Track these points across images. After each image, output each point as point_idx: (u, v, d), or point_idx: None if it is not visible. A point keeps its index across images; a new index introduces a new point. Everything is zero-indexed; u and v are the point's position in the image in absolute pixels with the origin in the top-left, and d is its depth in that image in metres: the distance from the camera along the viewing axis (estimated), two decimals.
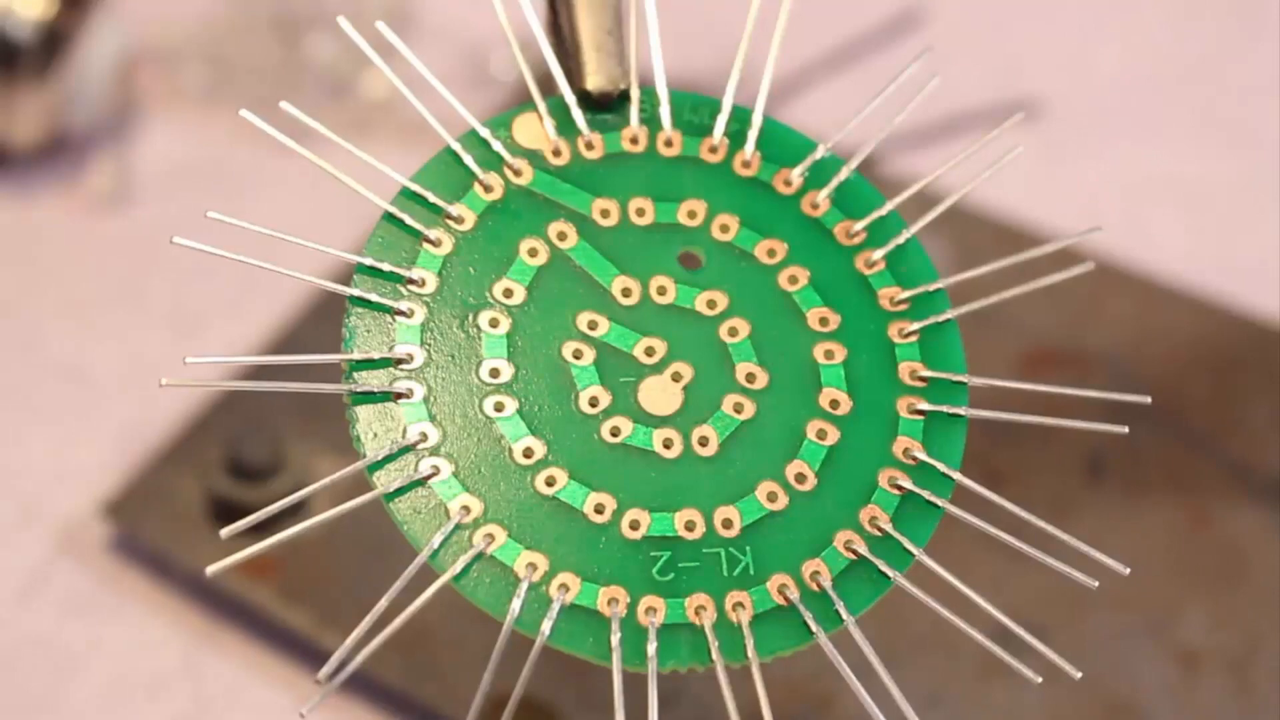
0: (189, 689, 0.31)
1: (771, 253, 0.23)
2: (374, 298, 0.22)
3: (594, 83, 0.24)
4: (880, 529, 0.22)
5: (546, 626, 0.21)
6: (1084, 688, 0.31)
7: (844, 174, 0.24)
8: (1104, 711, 0.31)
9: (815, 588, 0.21)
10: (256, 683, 0.31)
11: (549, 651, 0.21)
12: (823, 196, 0.24)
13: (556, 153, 0.23)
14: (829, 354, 0.23)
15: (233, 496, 0.32)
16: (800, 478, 0.22)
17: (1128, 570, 0.21)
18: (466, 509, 0.21)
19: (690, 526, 0.22)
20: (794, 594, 0.21)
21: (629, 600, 0.21)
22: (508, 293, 0.22)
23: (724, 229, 0.23)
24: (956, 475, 0.22)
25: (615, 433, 0.22)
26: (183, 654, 0.32)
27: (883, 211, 0.24)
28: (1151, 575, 0.33)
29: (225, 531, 0.21)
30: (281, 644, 0.32)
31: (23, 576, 0.33)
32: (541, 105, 0.24)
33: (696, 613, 0.21)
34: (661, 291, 0.23)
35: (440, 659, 0.31)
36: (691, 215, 0.23)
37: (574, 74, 0.24)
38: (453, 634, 0.31)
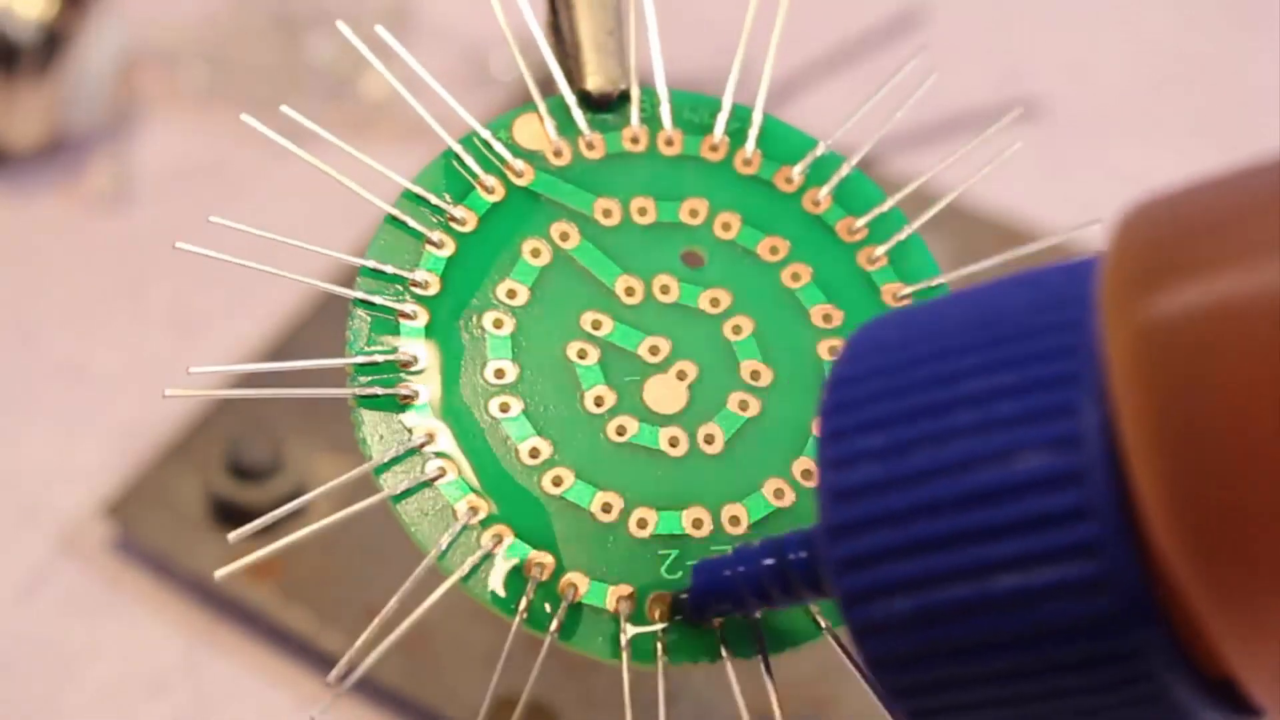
0: (189, 689, 0.31)
1: (774, 250, 0.23)
2: (378, 300, 0.22)
3: (594, 83, 0.24)
4: None
5: (555, 626, 0.21)
6: None
7: (844, 170, 0.24)
8: None
9: None
10: (256, 683, 0.31)
11: (551, 650, 0.21)
12: (824, 194, 0.24)
13: (558, 153, 0.24)
14: (834, 350, 0.23)
15: (233, 496, 0.32)
16: (807, 474, 0.22)
17: None
18: (474, 510, 0.21)
19: (698, 524, 0.22)
20: None
21: (638, 598, 0.21)
22: (511, 293, 0.22)
23: (726, 227, 0.23)
24: None
25: (621, 432, 0.22)
26: (183, 654, 0.32)
27: (884, 208, 0.24)
28: None
29: (233, 536, 0.21)
30: (281, 644, 0.32)
31: (23, 576, 0.33)
32: (542, 106, 0.24)
33: None
34: (665, 290, 0.23)
35: (440, 659, 0.31)
36: (693, 214, 0.23)
37: (574, 74, 0.24)
38: (453, 634, 0.31)
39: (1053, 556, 0.16)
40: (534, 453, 0.22)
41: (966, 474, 0.16)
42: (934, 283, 0.23)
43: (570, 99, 0.24)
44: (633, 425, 0.22)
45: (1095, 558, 0.16)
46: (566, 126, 0.24)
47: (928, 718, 0.18)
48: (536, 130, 0.24)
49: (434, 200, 0.23)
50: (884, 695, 0.18)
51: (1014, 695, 0.17)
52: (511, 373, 0.22)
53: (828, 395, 0.18)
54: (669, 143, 0.24)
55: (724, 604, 0.20)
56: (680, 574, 0.21)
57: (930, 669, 0.17)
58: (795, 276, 0.23)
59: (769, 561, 0.20)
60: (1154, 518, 0.15)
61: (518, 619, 0.21)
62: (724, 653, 0.21)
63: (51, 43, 0.37)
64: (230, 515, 0.32)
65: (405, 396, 0.21)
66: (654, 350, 0.23)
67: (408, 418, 0.21)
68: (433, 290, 0.22)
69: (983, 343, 0.17)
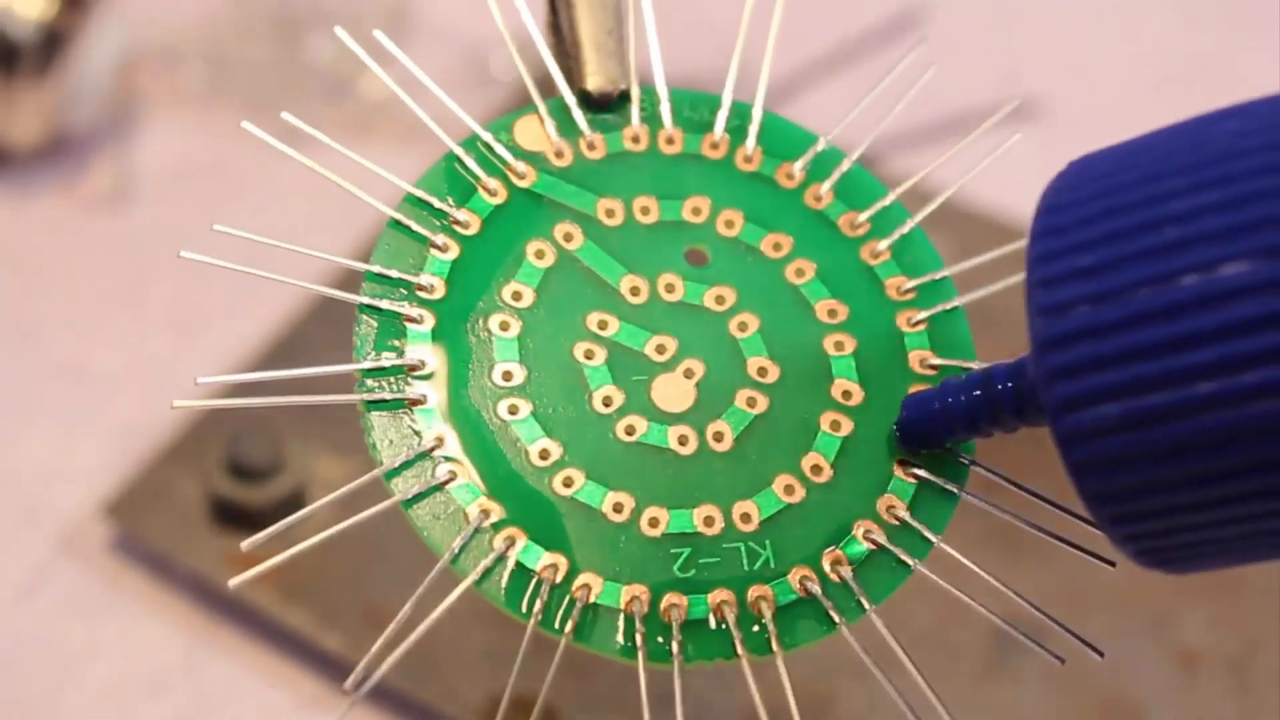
0: (189, 689, 0.31)
1: (777, 246, 0.23)
2: (383, 305, 0.22)
3: (594, 83, 0.24)
4: (898, 518, 0.22)
5: (570, 628, 0.21)
6: (1084, 688, 0.31)
7: (846, 165, 0.24)
8: (1104, 711, 0.31)
9: (836, 579, 0.21)
10: (256, 683, 0.31)
11: (548, 651, 0.21)
12: (825, 189, 0.24)
13: (559, 154, 0.23)
14: (839, 345, 0.23)
15: (233, 496, 0.32)
16: (816, 469, 0.22)
17: (1115, 564, 0.21)
18: (485, 513, 0.21)
19: (709, 522, 0.22)
20: (815, 586, 0.21)
21: (651, 598, 0.21)
22: (516, 295, 0.22)
23: (729, 224, 0.23)
24: (971, 463, 0.22)
25: (630, 431, 0.22)
26: (183, 654, 0.32)
27: (886, 202, 0.24)
28: (1151, 575, 0.33)
29: (246, 544, 0.21)
30: (281, 644, 0.32)
31: (23, 576, 0.33)
32: (542, 107, 0.24)
33: (719, 608, 0.21)
34: (670, 289, 0.23)
35: (440, 659, 0.31)
36: (696, 212, 0.23)
37: (574, 74, 0.24)
38: (453, 634, 0.31)
39: (1257, 360, 0.17)
40: (544, 454, 0.22)
41: (1174, 285, 0.17)
42: (937, 275, 0.23)
43: (570, 99, 0.24)
44: (642, 425, 0.22)
45: None
46: (567, 127, 0.24)
47: (1128, 524, 0.19)
48: (537, 131, 0.24)
49: (437, 204, 0.23)
50: (1085, 501, 0.19)
51: (1211, 498, 0.18)
52: (519, 375, 0.22)
53: (1036, 222, 0.19)
54: (670, 141, 0.24)
55: (934, 434, 0.21)
56: (693, 572, 0.21)
57: (1134, 473, 0.18)
58: (799, 272, 0.23)
59: (977, 393, 0.21)
60: None
61: (532, 621, 0.21)
62: (739, 650, 0.21)
63: (51, 43, 0.37)
64: (230, 515, 0.32)
65: (413, 401, 0.21)
66: (660, 349, 0.23)
67: (417, 422, 0.21)
68: (438, 294, 0.22)
69: (1190, 166, 0.18)
